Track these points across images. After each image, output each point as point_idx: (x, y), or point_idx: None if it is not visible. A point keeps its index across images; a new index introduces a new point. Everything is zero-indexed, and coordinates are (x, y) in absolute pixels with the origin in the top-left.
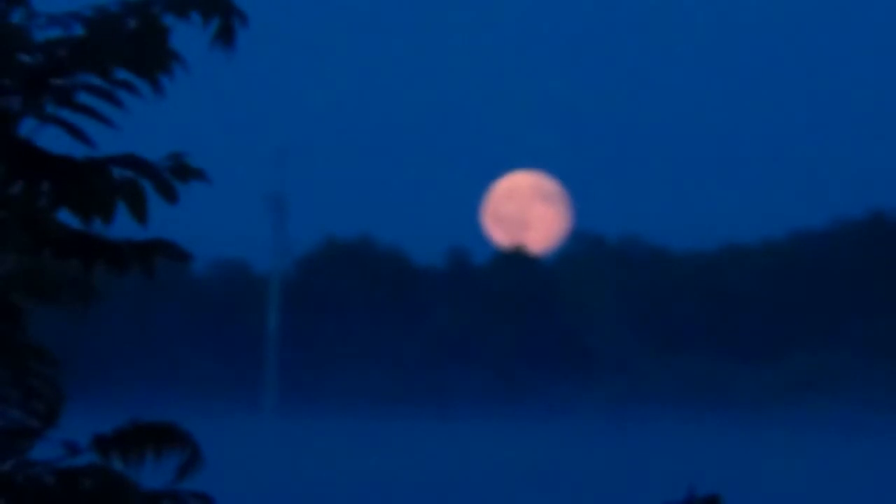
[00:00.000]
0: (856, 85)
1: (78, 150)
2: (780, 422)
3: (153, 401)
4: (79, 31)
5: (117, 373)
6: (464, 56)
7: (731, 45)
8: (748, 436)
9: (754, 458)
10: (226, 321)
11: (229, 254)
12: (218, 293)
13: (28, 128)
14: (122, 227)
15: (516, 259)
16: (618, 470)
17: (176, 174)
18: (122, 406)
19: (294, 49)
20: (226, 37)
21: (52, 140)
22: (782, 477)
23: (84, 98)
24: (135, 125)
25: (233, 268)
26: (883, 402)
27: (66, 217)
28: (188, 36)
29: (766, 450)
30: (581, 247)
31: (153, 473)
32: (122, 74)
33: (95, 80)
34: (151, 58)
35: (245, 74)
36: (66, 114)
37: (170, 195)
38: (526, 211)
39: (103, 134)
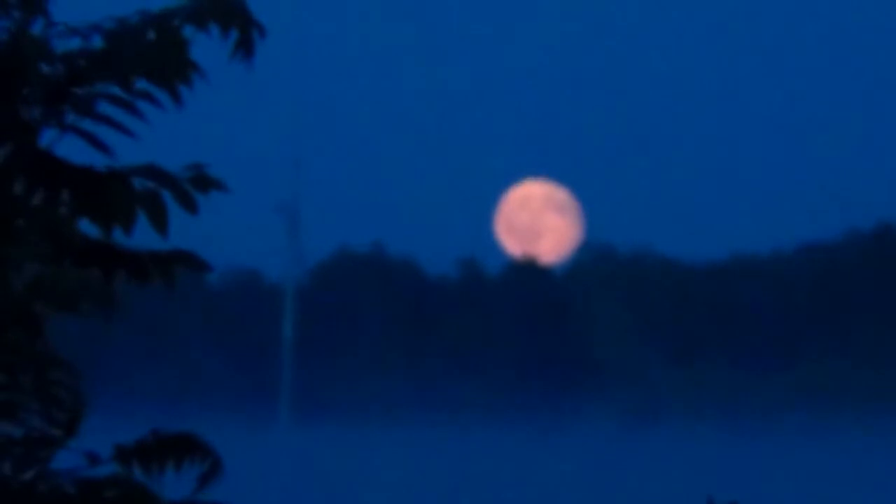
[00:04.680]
0: (865, 95)
1: (98, 161)
2: (793, 430)
3: (167, 410)
4: (99, 42)
5: (130, 381)
6: (476, 65)
7: (742, 55)
8: (763, 444)
9: (770, 466)
10: (240, 331)
11: (242, 263)
12: (231, 303)
13: (49, 138)
14: (138, 236)
15: (529, 269)
16: (634, 480)
17: (196, 185)
18: (135, 416)
19: (307, 58)
20: (245, 49)
21: (73, 150)
22: (798, 484)
23: (104, 108)
24: (150, 135)
25: (246, 278)
26: (893, 411)
27: (87, 227)
28: (207, 46)
29: (781, 458)
30: (592, 257)
31: (174, 484)
32: (142, 85)
33: (116, 91)
34: (171, 68)
35: (258, 84)
36: (86, 124)
37: (190, 206)
38: (538, 221)
39: (122, 144)
